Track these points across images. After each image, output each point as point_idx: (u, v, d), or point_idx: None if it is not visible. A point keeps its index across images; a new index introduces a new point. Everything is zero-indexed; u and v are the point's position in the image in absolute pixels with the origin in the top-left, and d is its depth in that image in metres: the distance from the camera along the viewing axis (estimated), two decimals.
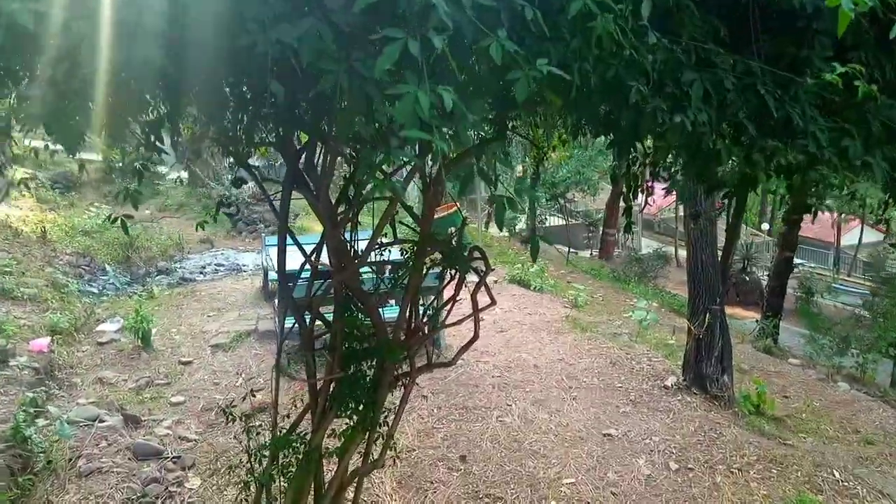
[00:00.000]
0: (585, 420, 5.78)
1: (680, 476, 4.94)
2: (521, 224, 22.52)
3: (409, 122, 1.47)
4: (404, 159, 1.89)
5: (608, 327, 8.47)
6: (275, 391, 3.20)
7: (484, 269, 3.10)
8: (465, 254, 3.02)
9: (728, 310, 18.93)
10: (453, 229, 10.25)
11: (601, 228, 23.07)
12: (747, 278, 24.11)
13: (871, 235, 31.24)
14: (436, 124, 1.51)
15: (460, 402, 6.10)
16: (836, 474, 4.77)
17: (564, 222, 22.75)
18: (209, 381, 6.68)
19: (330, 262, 2.84)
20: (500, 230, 13.40)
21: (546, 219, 23.10)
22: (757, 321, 11.19)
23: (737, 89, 2.13)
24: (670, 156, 3.31)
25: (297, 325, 3.04)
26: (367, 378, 3.07)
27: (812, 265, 27.02)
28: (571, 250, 20.35)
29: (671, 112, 2.02)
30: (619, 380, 6.64)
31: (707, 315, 6.09)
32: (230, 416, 3.28)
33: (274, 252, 8.33)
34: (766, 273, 24.53)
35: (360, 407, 3.03)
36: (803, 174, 2.56)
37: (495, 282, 10.75)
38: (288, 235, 3.06)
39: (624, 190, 3.44)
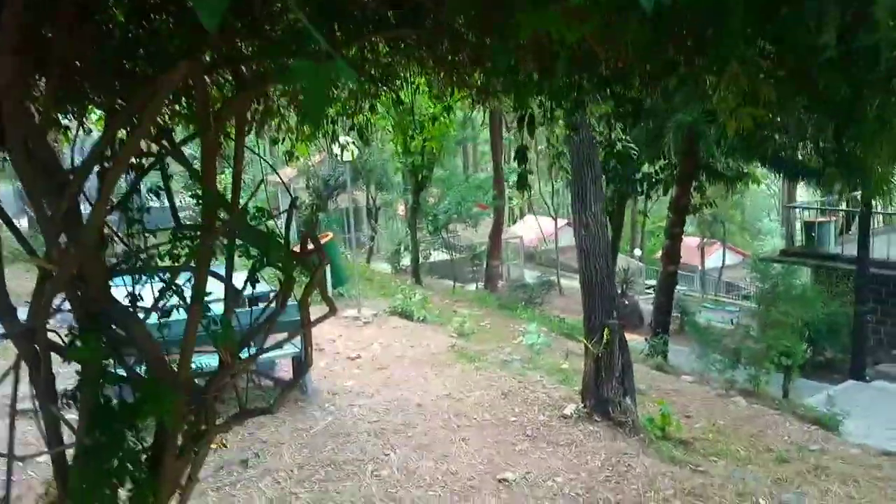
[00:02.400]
0: (477, 464, 4.87)
1: None
2: (406, 260, 21.78)
3: None
4: None
5: (498, 355, 7.69)
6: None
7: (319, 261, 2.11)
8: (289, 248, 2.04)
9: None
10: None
11: (485, 261, 22.78)
12: (626, 301, 24.58)
13: (732, 258, 33.35)
14: None
15: (327, 456, 5.01)
16: (762, 503, 4.14)
17: (449, 256, 22.21)
18: None
19: (49, 253, 1.70)
20: None
21: (430, 253, 22.50)
22: (646, 340, 10.90)
23: None
24: None
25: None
26: (138, 449, 1.96)
27: (682, 287, 28.19)
28: (457, 284, 19.79)
29: None
30: (513, 413, 5.81)
31: (605, 331, 5.42)
32: None
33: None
34: (640, 296, 25.21)
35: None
36: None
37: (375, 315, 9.77)
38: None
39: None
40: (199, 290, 1.77)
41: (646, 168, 15.35)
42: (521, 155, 2.91)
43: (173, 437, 1.99)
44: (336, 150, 9.62)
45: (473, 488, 4.54)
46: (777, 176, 11.69)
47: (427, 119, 15.40)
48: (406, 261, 21.65)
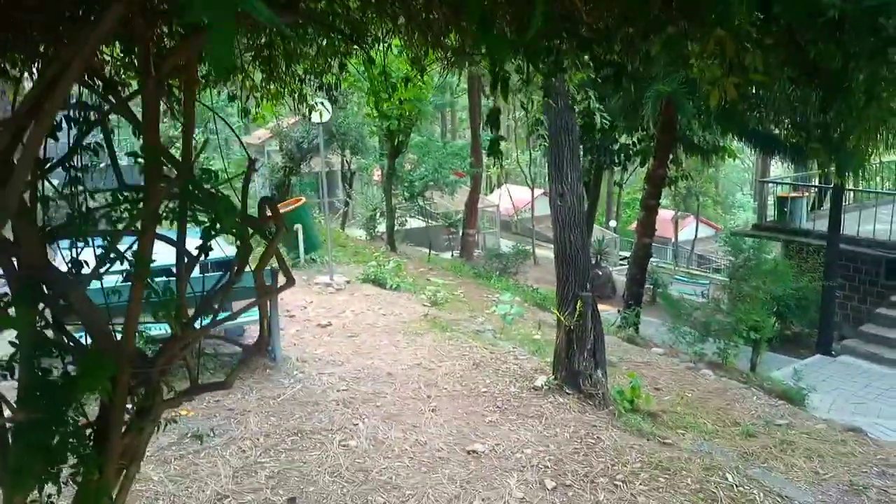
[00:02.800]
0: (446, 435, 4.83)
1: (558, 496, 4.10)
2: (381, 227, 21.56)
3: None
4: None
5: (470, 325, 7.64)
6: None
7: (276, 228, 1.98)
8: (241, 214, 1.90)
9: None
10: (298, 225, 8.81)
11: (461, 230, 22.67)
12: (600, 273, 24.80)
13: (704, 230, 33.73)
14: None
15: (294, 425, 4.92)
16: (729, 478, 4.16)
17: (424, 223, 22.04)
18: None
19: None
20: None
21: (406, 220, 22.29)
22: (619, 312, 10.94)
23: None
24: None
25: None
26: (82, 424, 1.83)
27: (654, 259, 28.48)
28: (433, 252, 19.68)
29: None
30: (483, 384, 5.78)
31: (578, 303, 5.37)
32: None
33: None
34: (615, 267, 25.39)
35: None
36: None
37: (348, 282, 9.65)
38: None
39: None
40: (143, 257, 1.63)
41: (624, 139, 15.32)
42: (494, 120, 2.78)
43: (119, 411, 1.86)
44: (306, 111, 9.36)
45: (442, 459, 4.49)
46: (752, 150, 11.68)
47: (400, 81, 15.12)
48: (382, 227, 21.46)
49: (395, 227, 21.49)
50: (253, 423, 4.94)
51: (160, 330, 5.44)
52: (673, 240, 34.98)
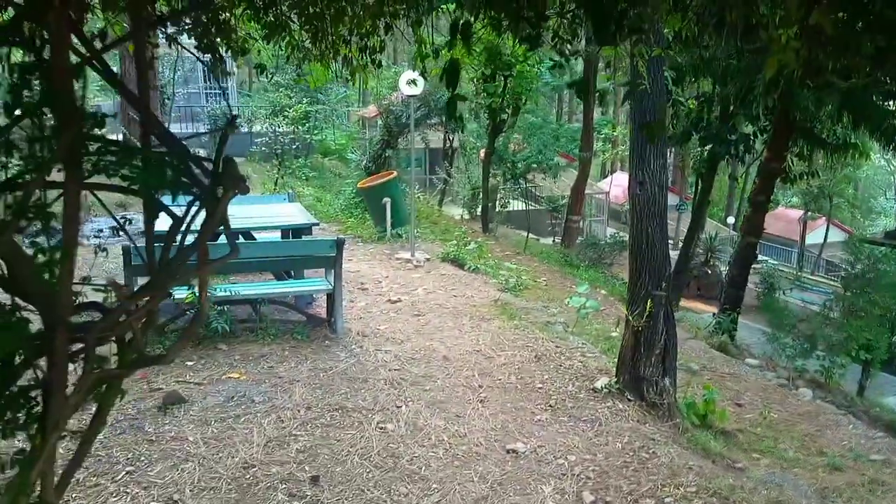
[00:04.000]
0: (489, 430, 4.57)
1: None
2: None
3: None
4: None
5: (542, 315, 7.28)
6: None
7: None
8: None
9: (687, 303, 18.04)
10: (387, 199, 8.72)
11: (565, 215, 21.99)
12: (709, 271, 23.38)
13: (837, 235, 30.88)
14: None
15: (338, 401, 4.84)
16: None
17: (530, 206, 21.55)
18: None
19: None
20: None
21: (508, 202, 21.88)
22: (714, 315, 10.13)
23: None
24: None
25: None
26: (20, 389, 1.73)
27: (775, 262, 26.44)
28: (533, 236, 19.21)
29: None
30: (540, 379, 5.45)
31: (649, 302, 4.91)
32: None
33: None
34: (725, 267, 23.76)
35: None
36: None
37: (428, 259, 9.53)
38: None
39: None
40: (69, 214, 1.50)
41: (744, 129, 14.10)
42: (451, 76, 2.47)
43: (57, 378, 1.76)
44: (403, 84, 9.26)
45: (478, 455, 4.25)
46: (884, 149, 10.31)
47: (503, 59, 14.69)
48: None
49: (497, 209, 21.18)
50: (298, 393, 4.91)
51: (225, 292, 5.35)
52: (799, 242, 32.45)
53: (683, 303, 19.44)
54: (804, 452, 5.01)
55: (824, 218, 30.73)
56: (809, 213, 30.72)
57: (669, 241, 5.54)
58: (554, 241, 21.93)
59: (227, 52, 3.36)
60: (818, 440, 5.23)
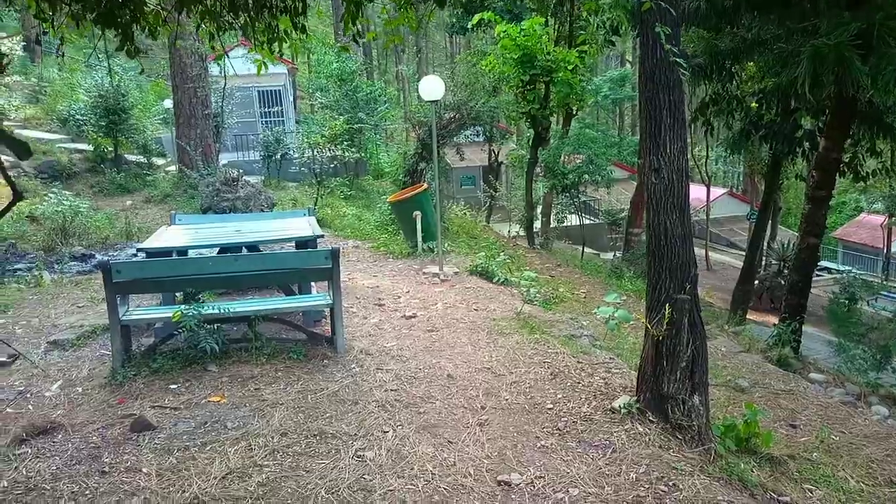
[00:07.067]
0: (482, 458, 3.97)
1: None
2: (538, 223, 20.59)
3: None
4: None
5: (567, 328, 6.60)
6: None
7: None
8: None
9: (759, 316, 16.71)
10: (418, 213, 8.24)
11: (626, 228, 20.99)
12: (783, 282, 21.82)
13: None
14: None
15: (319, 426, 4.36)
16: None
17: (578, 221, 20.72)
18: (14, 387, 5.11)
19: None
20: None
21: (565, 217, 21.08)
22: (773, 326, 9.13)
23: None
24: None
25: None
26: None
27: (858, 271, 24.51)
28: (593, 251, 18.32)
29: None
30: (553, 398, 4.80)
31: (669, 308, 4.21)
32: None
33: (168, 232, 6.73)
34: None
35: None
36: None
37: (456, 273, 9.00)
38: None
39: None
40: None
41: (808, 124, 12.95)
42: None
43: None
44: (423, 89, 8.85)
45: (463, 488, 3.66)
46: None
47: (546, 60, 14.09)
48: (538, 224, 20.42)
49: (552, 224, 20.35)
50: (277, 418, 4.46)
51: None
52: (884, 249, 30.20)
53: (754, 316, 18.03)
54: (868, 482, 4.15)
55: None
56: (894, 218, 28.40)
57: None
58: (615, 255, 20.93)
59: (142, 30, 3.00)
60: (887, 467, 4.34)
